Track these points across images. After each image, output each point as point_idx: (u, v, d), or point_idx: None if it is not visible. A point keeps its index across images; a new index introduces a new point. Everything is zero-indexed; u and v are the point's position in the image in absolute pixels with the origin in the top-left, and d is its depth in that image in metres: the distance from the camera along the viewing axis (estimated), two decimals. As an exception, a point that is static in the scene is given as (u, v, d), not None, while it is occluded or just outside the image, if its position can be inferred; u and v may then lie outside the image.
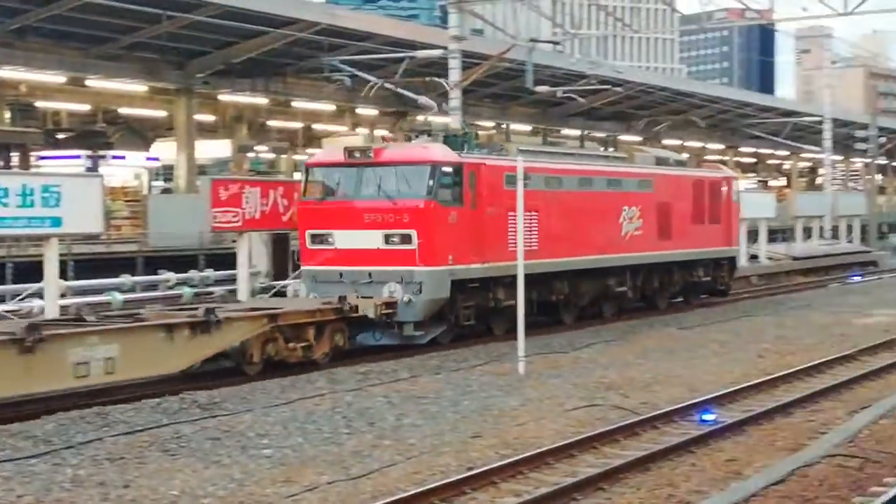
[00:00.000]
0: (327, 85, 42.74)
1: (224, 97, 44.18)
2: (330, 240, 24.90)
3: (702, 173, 36.87)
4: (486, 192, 25.54)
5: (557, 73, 44.56)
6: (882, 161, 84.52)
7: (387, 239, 24.30)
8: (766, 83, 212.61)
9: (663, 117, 63.82)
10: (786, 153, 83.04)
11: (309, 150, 58.69)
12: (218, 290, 28.56)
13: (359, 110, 49.53)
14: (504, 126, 44.00)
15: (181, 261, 30.89)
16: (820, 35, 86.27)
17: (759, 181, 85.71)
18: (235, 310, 21.47)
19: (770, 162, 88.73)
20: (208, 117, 47.51)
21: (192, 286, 28.89)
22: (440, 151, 25.15)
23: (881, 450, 14.81)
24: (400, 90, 40.92)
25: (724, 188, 36.70)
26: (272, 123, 50.42)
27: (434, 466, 14.02)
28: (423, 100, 40.72)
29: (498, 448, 15.02)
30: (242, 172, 44.55)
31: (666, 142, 69.53)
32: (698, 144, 74.97)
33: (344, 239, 24.70)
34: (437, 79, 35.78)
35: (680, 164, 36.79)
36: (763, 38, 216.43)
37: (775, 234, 55.88)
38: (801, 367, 22.06)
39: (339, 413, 17.41)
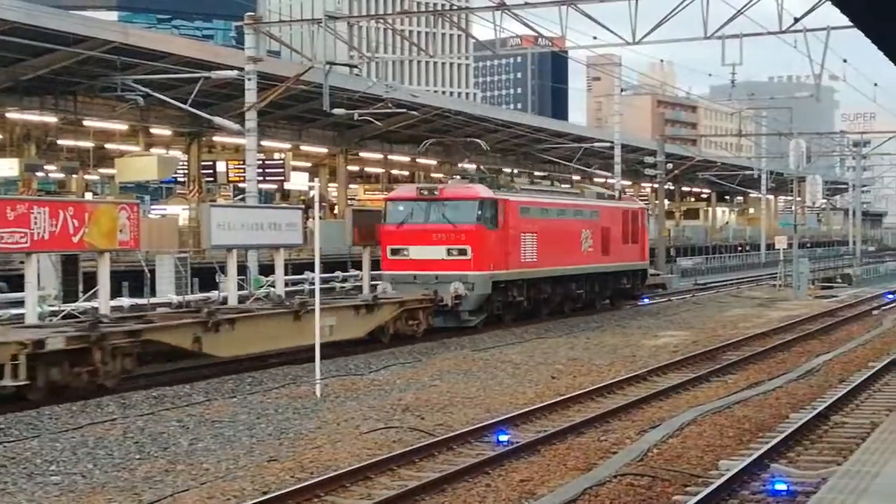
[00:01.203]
0: (120, 104, 41.95)
1: (12, 115, 42.93)
2: (406, 252, 34.41)
3: (627, 204, 47.41)
4: (510, 219, 35.43)
5: (354, 96, 44.64)
6: (670, 186, 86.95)
7: (448, 252, 34.00)
8: (559, 109, 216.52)
9: (460, 140, 64.50)
10: (578, 178, 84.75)
11: (101, 170, 57.74)
12: (4, 312, 27.67)
13: (153, 130, 48.73)
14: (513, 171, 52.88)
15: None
16: (610, 63, 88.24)
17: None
18: (384, 298, 31.28)
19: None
20: (-5, 135, 46.16)
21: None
22: (483, 190, 35.08)
23: (670, 468, 15.17)
24: (195, 110, 40.50)
25: (640, 216, 47.14)
26: (62, 142, 49.19)
27: (228, 491, 13.86)
28: (218, 120, 40.40)
29: (294, 471, 14.92)
30: (31, 192, 43.34)
31: (461, 165, 70.25)
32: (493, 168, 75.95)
33: (417, 252, 34.23)
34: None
35: (611, 197, 47.41)
36: (556, 65, 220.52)
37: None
38: (593, 387, 22.49)
39: (130, 438, 17.09)
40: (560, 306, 40.23)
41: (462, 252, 33.88)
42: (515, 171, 60.74)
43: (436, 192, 34.96)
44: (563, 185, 48.10)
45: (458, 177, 39.45)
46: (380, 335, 30.42)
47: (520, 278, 36.27)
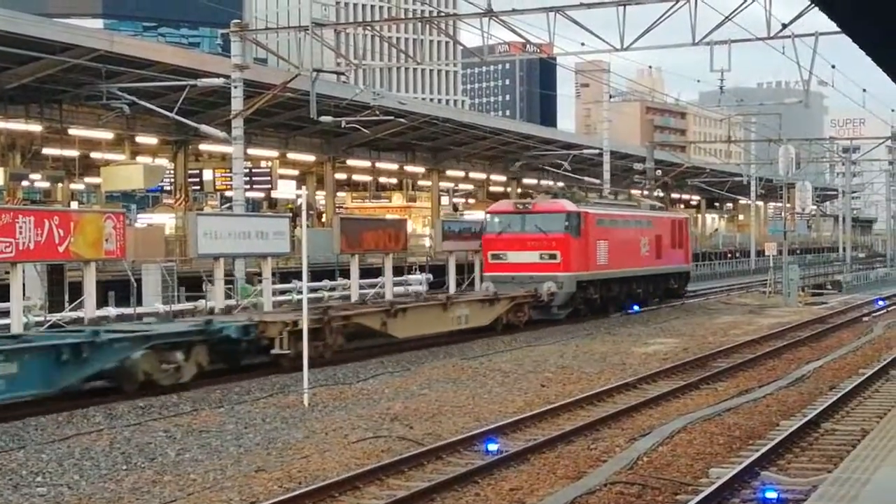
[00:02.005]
0: (106, 112, 41.83)
1: (-4, 124, 42.81)
2: (504, 257, 40.50)
3: (673, 214, 55.19)
4: (589, 228, 41.44)
5: (341, 103, 44.54)
6: (659, 193, 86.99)
7: (541, 256, 40.11)
8: (547, 116, 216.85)
9: (449, 149, 64.58)
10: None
11: (87, 179, 57.59)
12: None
13: (138, 138, 48.62)
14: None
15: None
16: (598, 69, 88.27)
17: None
18: (502, 294, 37.60)
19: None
20: (-21, 145, 45.99)
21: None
22: (569, 204, 41.27)
23: (660, 476, 15.11)
24: (181, 118, 40.40)
25: (684, 225, 53.78)
26: (48, 151, 49.04)
27: (216, 502, 13.80)
28: (205, 128, 40.30)
29: (282, 482, 14.82)
30: (16, 202, 43.20)
31: (450, 172, 70.35)
32: (482, 175, 75.98)
33: (514, 257, 40.34)
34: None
35: (661, 208, 54.95)
36: (544, 71, 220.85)
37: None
38: (583, 395, 22.41)
39: (117, 449, 16.98)
40: (622, 303, 45.89)
41: (552, 256, 40.08)
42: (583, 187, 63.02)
43: (529, 207, 41.43)
44: (620, 198, 54.49)
45: (545, 193, 45.27)
46: (495, 324, 36.46)
47: (596, 278, 42.44)
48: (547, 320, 39.20)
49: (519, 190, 76.93)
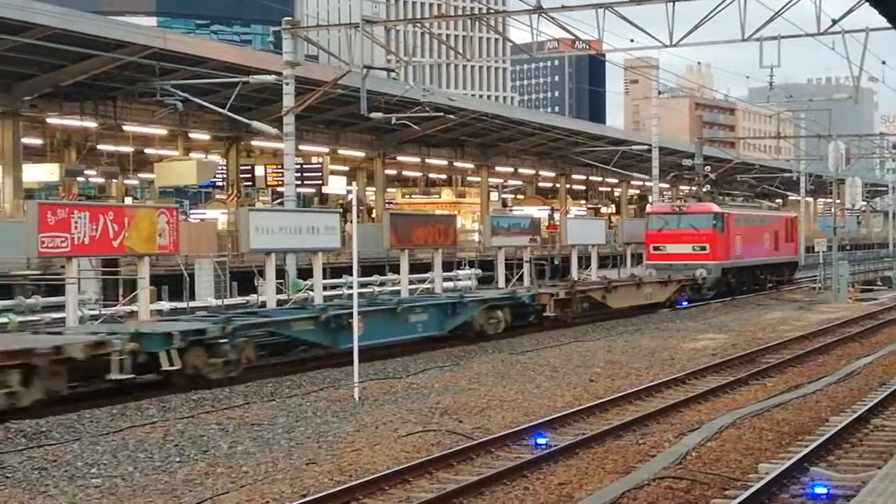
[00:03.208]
0: (159, 109, 42.20)
1: (52, 120, 43.27)
2: (663, 249, 50.49)
3: (786, 214, 65.87)
4: (730, 225, 51.24)
5: (391, 99, 44.68)
6: (708, 189, 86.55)
7: (693, 248, 49.80)
8: (596, 112, 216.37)
9: (499, 145, 64.63)
10: (616, 181, 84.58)
11: (140, 175, 58.11)
12: (46, 316, 27.88)
13: (191, 135, 49.01)
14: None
15: (6, 287, 30.10)
16: (647, 66, 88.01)
17: (590, 208, 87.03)
18: (666, 279, 46.62)
19: (601, 189, 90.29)
20: (36, 141, 46.50)
21: (18, 312, 28.12)
22: (715, 207, 51.69)
23: (709, 471, 15.14)
24: (233, 115, 40.68)
25: (794, 222, 63.98)
26: (102, 147, 49.52)
27: (268, 494, 13.91)
28: (256, 124, 40.55)
29: (333, 474, 14.96)
30: (71, 197, 43.67)
31: (499, 168, 70.39)
32: (531, 171, 75.97)
33: (671, 248, 50.22)
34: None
35: (776, 208, 68.59)
36: (593, 68, 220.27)
37: (606, 260, 56.79)
38: (631, 390, 22.44)
39: (170, 441, 17.17)
40: (747, 287, 54.38)
41: (703, 248, 49.72)
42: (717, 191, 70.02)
43: (683, 209, 51.80)
44: (748, 201, 66.07)
45: (693, 198, 55.86)
46: (662, 304, 45.46)
47: (735, 266, 52.02)
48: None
49: (567, 185, 77.04)
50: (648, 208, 60.25)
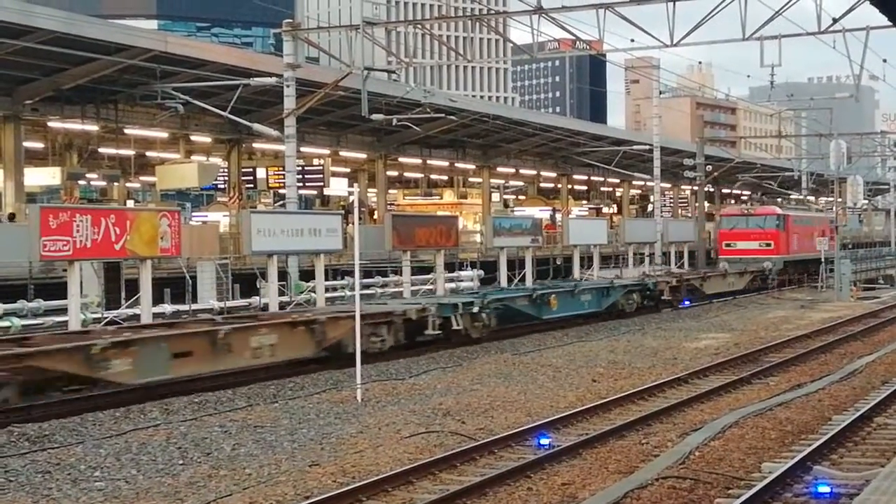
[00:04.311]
0: (160, 112, 42.22)
1: (54, 124, 43.29)
2: (734, 245, 60.18)
3: (826, 215, 70.76)
4: (789, 225, 61.19)
5: (392, 101, 44.70)
6: (710, 188, 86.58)
7: (759, 244, 59.03)
8: (597, 112, 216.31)
9: (500, 146, 64.64)
10: (617, 181, 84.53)
11: (142, 178, 58.12)
12: (48, 320, 27.88)
13: (193, 137, 49.04)
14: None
15: (8, 290, 30.12)
16: (648, 65, 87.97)
17: (591, 208, 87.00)
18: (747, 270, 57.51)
19: (602, 189, 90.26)
20: (37, 144, 46.53)
21: (21, 316, 28.14)
22: (778, 209, 61.72)
23: (712, 471, 15.15)
24: (234, 117, 40.68)
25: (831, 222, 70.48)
26: (104, 150, 49.53)
27: (271, 496, 13.93)
28: (258, 127, 40.56)
29: (336, 476, 14.97)
30: (73, 201, 43.68)
31: (501, 169, 70.39)
32: (532, 172, 75.96)
33: (741, 245, 59.75)
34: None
35: (820, 210, 76.46)
36: (594, 68, 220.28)
37: (608, 260, 56.75)
38: (634, 390, 22.46)
39: (173, 444, 17.19)
40: (800, 277, 63.26)
41: (768, 245, 59.42)
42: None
43: (751, 211, 62.36)
44: (797, 205, 77.00)
45: (758, 203, 66.80)
46: (746, 288, 56.42)
47: (793, 259, 61.43)
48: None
49: (569, 186, 77.13)
50: (721, 211, 71.64)
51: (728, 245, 60.69)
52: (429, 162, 64.79)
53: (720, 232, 62.40)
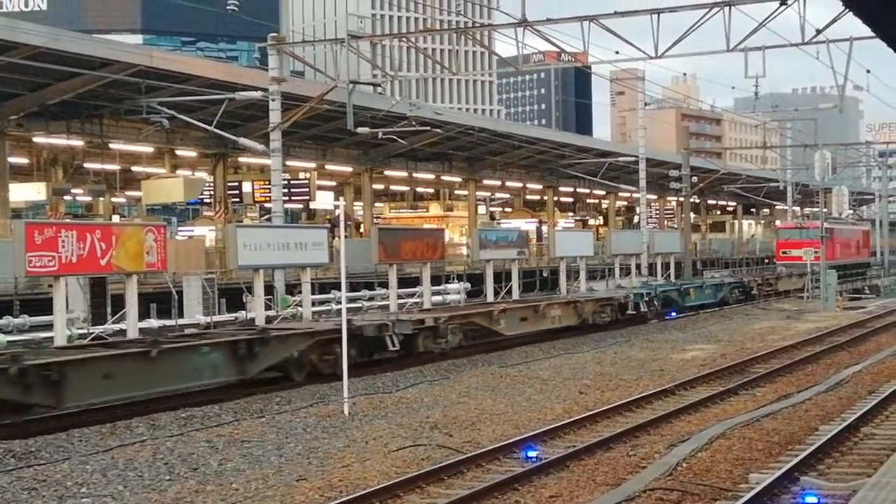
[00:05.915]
0: (145, 126, 42.19)
1: (39, 139, 43.23)
2: (789, 253, 69.31)
3: (863, 227, 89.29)
4: (833, 236, 69.46)
5: (378, 114, 44.72)
6: (695, 199, 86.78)
7: (807, 254, 61.12)
8: (583, 124, 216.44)
9: (486, 158, 64.70)
10: (603, 192, 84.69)
11: (127, 193, 58.06)
12: (34, 336, 27.81)
13: (178, 152, 49.00)
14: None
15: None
16: (633, 77, 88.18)
17: (578, 220, 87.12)
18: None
19: (588, 201, 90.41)
20: (22, 160, 46.45)
21: (6, 332, 28.06)
22: (825, 223, 62.35)
23: (699, 482, 15.15)
24: (220, 132, 40.66)
25: (868, 233, 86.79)
26: (89, 165, 49.47)
27: (258, 511, 13.88)
28: (243, 141, 40.55)
29: (323, 490, 14.94)
30: (58, 216, 43.61)
31: (487, 182, 70.46)
32: (518, 184, 76.05)
33: (794, 252, 67.03)
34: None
35: (854, 224, 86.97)
36: (579, 80, 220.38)
37: (594, 272, 56.80)
38: (621, 402, 22.45)
39: (160, 459, 17.15)
40: (843, 279, 69.47)
41: (816, 253, 59.99)
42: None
43: (803, 224, 72.14)
44: (839, 218, 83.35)
45: (809, 217, 77.53)
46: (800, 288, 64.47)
47: (836, 265, 66.18)
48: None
49: (555, 198, 77.18)
50: (777, 223, 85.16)
51: (784, 252, 71.23)
52: (415, 175, 64.84)
53: (777, 242, 74.63)
